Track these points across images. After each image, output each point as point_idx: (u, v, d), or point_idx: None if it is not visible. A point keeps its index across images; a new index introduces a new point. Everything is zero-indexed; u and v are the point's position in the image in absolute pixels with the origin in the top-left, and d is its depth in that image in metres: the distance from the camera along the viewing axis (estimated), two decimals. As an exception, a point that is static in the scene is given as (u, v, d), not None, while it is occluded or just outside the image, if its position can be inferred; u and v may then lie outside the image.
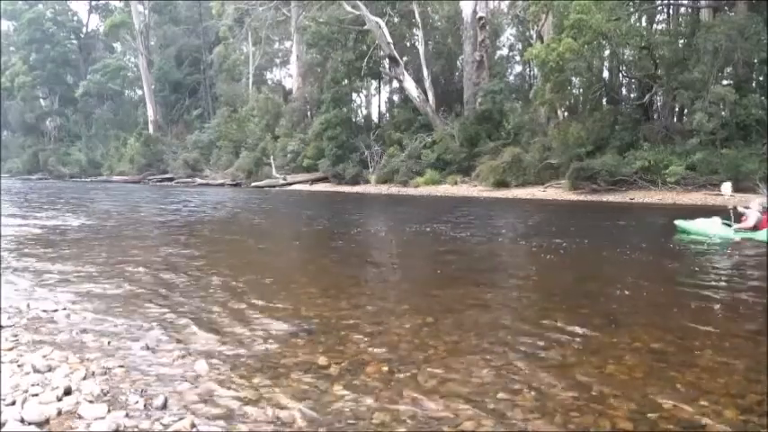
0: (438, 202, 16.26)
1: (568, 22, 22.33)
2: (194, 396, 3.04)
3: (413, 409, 2.91)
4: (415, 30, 37.29)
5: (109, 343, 3.90)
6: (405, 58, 37.05)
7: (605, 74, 28.45)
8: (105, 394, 3.00)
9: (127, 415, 2.77)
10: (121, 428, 2.65)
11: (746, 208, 9.93)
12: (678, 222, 10.56)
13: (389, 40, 34.26)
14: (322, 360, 3.62)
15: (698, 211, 16.32)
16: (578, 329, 4.30)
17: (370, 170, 34.49)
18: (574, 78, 26.08)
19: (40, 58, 59.07)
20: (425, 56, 35.90)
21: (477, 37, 32.24)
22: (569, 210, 17.90)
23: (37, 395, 2.97)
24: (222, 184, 40.92)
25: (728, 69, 23.82)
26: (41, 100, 66.06)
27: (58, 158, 60.93)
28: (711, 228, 9.98)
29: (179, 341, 3.98)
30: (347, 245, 10.30)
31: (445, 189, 28.51)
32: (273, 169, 38.79)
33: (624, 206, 18.98)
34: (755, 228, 9.52)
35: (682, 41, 25.61)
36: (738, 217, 9.84)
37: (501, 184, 26.41)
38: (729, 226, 9.79)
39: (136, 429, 2.66)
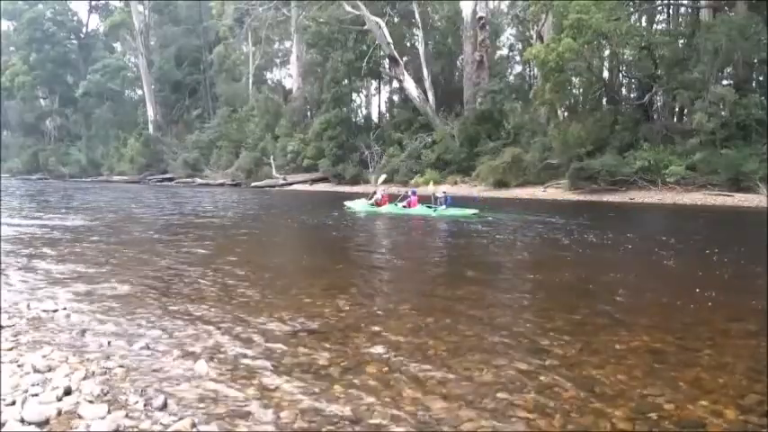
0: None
1: (568, 22, 22.34)
2: (194, 396, 3.04)
3: (413, 409, 2.91)
4: (415, 30, 37.30)
5: (109, 343, 3.90)
6: (405, 58, 37.05)
7: (605, 74, 28.45)
8: (105, 394, 3.00)
9: (127, 415, 2.77)
10: (121, 428, 2.65)
11: (374, 194, 16.36)
12: (346, 203, 16.98)
13: (389, 40, 34.26)
14: (322, 360, 3.62)
15: (698, 211, 16.63)
16: (577, 329, 4.31)
17: (371, 170, 34.48)
18: (574, 78, 26.10)
19: (40, 58, 59.06)
20: (425, 56, 35.91)
21: (477, 37, 32.26)
22: (558, 209, 17.91)
23: (37, 395, 2.97)
24: (222, 184, 40.95)
25: (728, 69, 23.84)
26: (41, 100, 66.09)
27: (58, 158, 60.96)
28: (361, 206, 16.24)
29: (179, 341, 3.98)
30: (347, 245, 10.30)
31: (445, 189, 28.49)
32: (273, 169, 38.81)
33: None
34: (379, 204, 15.75)
35: (682, 41, 25.62)
36: (373, 197, 16.25)
37: (501, 184, 26.42)
38: (372, 205, 16.01)
39: (136, 429, 2.66)
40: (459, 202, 16.32)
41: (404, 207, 15.28)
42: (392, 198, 16.43)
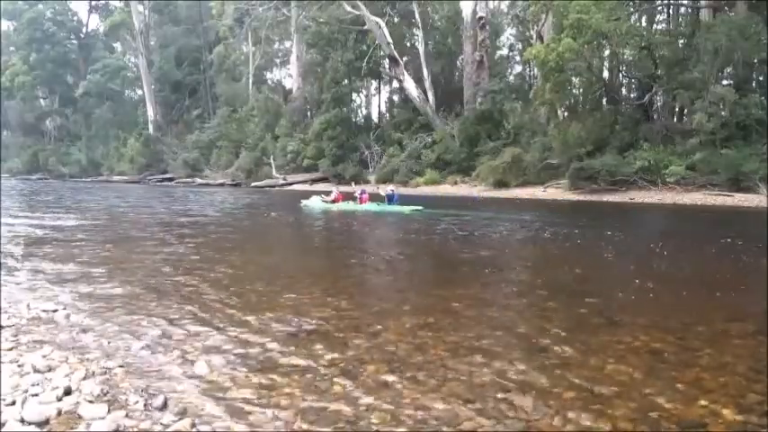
0: (438, 202, 17.44)
1: (568, 22, 22.34)
2: (194, 396, 3.04)
3: (413, 409, 2.91)
4: (415, 30, 37.32)
5: (109, 343, 3.90)
6: (405, 58, 37.06)
7: (605, 74, 28.45)
8: (105, 394, 3.00)
9: (127, 415, 2.77)
10: (121, 428, 2.65)
11: (330, 192, 18.48)
12: (303, 201, 18.37)
13: (389, 40, 34.27)
14: (322, 360, 3.62)
15: (698, 211, 16.62)
16: (577, 328, 4.31)
17: (370, 170, 34.49)
18: (574, 78, 26.09)
19: (40, 58, 59.08)
20: (425, 56, 35.92)
21: (477, 37, 32.27)
22: (558, 209, 17.89)
23: (37, 395, 2.96)
24: (222, 184, 40.94)
25: (728, 69, 23.82)
26: (41, 100, 66.11)
27: (58, 158, 60.96)
28: (316, 203, 17.85)
29: (179, 341, 3.98)
30: (346, 244, 10.30)
31: (445, 189, 28.52)
32: (273, 169, 38.81)
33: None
34: (334, 201, 17.64)
35: (682, 41, 25.62)
36: (328, 195, 18.19)
37: (501, 184, 26.42)
38: (326, 202, 17.72)
39: (136, 429, 2.66)
40: (408, 200, 18.26)
41: (356, 204, 17.30)
42: (346, 197, 18.52)
